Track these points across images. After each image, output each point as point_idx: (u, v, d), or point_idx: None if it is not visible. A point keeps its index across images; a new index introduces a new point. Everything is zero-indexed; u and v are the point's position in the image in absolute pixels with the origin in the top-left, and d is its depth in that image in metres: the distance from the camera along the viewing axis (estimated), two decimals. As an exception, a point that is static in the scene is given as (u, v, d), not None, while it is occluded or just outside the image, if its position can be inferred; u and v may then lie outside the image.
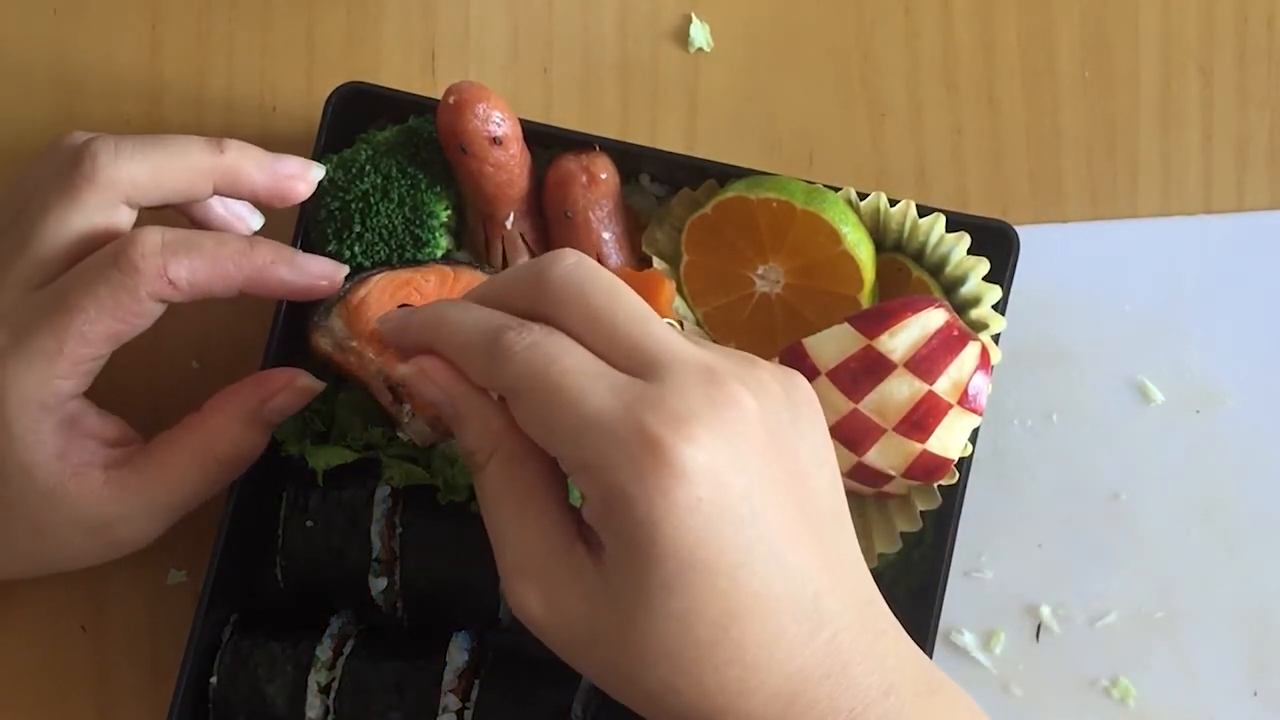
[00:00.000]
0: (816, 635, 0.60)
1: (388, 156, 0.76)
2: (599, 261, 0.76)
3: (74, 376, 0.70)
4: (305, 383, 0.73)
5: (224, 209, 0.76)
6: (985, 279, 0.75)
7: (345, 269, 0.74)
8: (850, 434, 0.70)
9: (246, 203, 0.76)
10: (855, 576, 0.63)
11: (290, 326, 0.76)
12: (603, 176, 0.77)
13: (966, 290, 0.74)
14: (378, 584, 0.75)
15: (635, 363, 0.60)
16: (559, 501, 0.62)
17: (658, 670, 0.59)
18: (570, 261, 0.62)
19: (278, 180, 0.73)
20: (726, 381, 0.60)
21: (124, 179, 0.70)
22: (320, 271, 0.73)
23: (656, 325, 0.61)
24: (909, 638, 0.64)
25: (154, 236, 0.69)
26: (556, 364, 0.60)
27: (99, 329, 0.69)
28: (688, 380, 0.59)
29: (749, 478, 0.59)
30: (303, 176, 0.74)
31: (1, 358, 0.68)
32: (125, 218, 0.71)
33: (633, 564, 0.58)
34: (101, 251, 0.69)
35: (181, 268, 0.69)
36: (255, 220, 0.77)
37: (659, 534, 0.57)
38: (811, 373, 0.69)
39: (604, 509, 0.59)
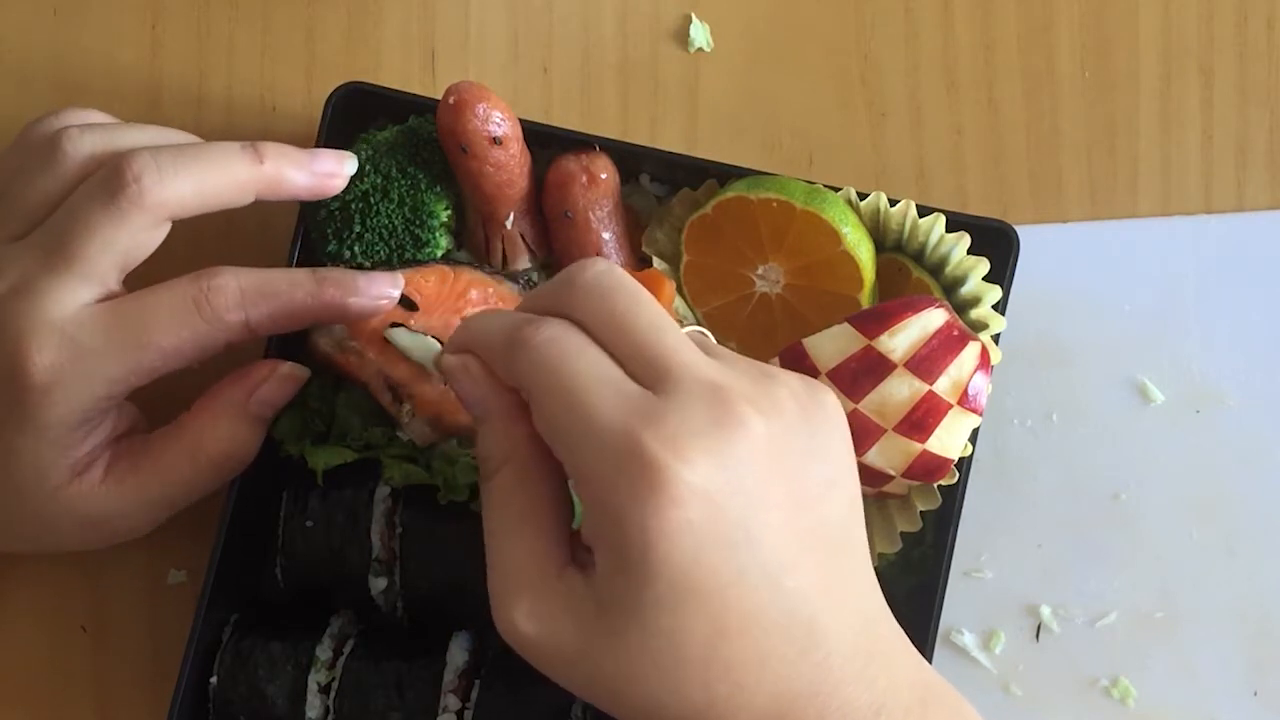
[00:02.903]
0: (807, 655, 0.59)
1: (388, 156, 0.76)
2: (599, 262, 0.76)
3: (124, 396, 0.71)
4: (287, 370, 0.74)
5: None
6: (985, 279, 0.74)
7: (401, 278, 0.74)
8: (850, 434, 0.70)
9: None
10: (859, 598, 0.62)
11: (290, 326, 0.76)
12: (603, 176, 0.77)
13: (966, 290, 0.74)
14: (378, 584, 0.75)
15: (648, 373, 0.60)
16: (559, 522, 0.62)
17: (645, 686, 0.59)
18: (600, 268, 0.62)
19: (317, 180, 0.74)
20: (734, 402, 0.59)
21: (172, 200, 0.70)
22: (382, 292, 0.73)
23: (674, 336, 0.61)
24: (912, 651, 0.63)
25: (232, 285, 0.70)
26: (569, 364, 0.60)
27: (170, 364, 0.70)
28: (693, 399, 0.59)
29: (745, 500, 0.58)
30: (339, 172, 0.75)
31: (59, 371, 0.69)
32: (165, 230, 0.71)
33: (624, 580, 0.58)
34: (179, 295, 0.70)
35: (263, 317, 0.71)
36: None
37: (650, 553, 0.57)
38: (811, 373, 0.69)
39: (598, 522, 0.59)
